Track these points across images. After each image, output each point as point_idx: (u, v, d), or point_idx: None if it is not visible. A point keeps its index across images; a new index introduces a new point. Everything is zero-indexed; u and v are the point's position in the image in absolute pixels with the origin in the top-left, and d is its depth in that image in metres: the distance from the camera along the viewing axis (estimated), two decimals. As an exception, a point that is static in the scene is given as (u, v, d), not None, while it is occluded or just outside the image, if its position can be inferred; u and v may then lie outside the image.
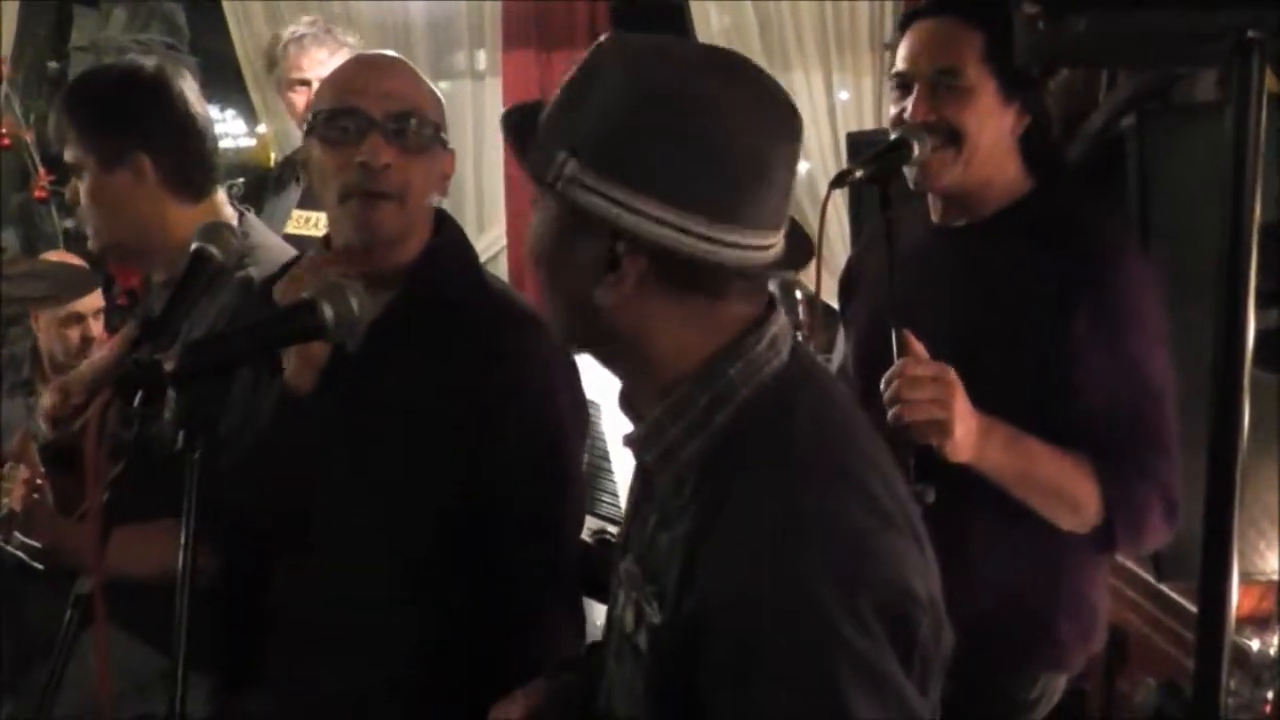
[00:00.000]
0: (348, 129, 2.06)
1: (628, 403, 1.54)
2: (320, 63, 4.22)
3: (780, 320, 1.48)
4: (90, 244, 2.56)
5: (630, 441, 1.51)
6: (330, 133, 2.07)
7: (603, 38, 1.47)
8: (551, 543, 2.17)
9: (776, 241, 1.44)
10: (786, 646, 1.30)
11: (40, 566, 2.18)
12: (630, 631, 1.51)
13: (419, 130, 2.09)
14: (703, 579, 1.38)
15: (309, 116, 2.14)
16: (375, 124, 2.05)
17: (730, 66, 1.42)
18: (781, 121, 1.42)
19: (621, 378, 1.56)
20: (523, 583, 2.11)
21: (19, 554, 2.18)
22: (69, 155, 2.45)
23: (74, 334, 4.18)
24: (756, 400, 1.43)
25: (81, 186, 2.46)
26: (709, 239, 1.37)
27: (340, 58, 4.20)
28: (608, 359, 1.54)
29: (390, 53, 2.25)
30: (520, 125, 1.49)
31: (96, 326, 4.24)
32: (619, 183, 1.36)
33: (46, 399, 2.74)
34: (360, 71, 2.16)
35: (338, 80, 2.16)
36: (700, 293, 1.42)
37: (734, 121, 1.37)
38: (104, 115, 2.43)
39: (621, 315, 1.42)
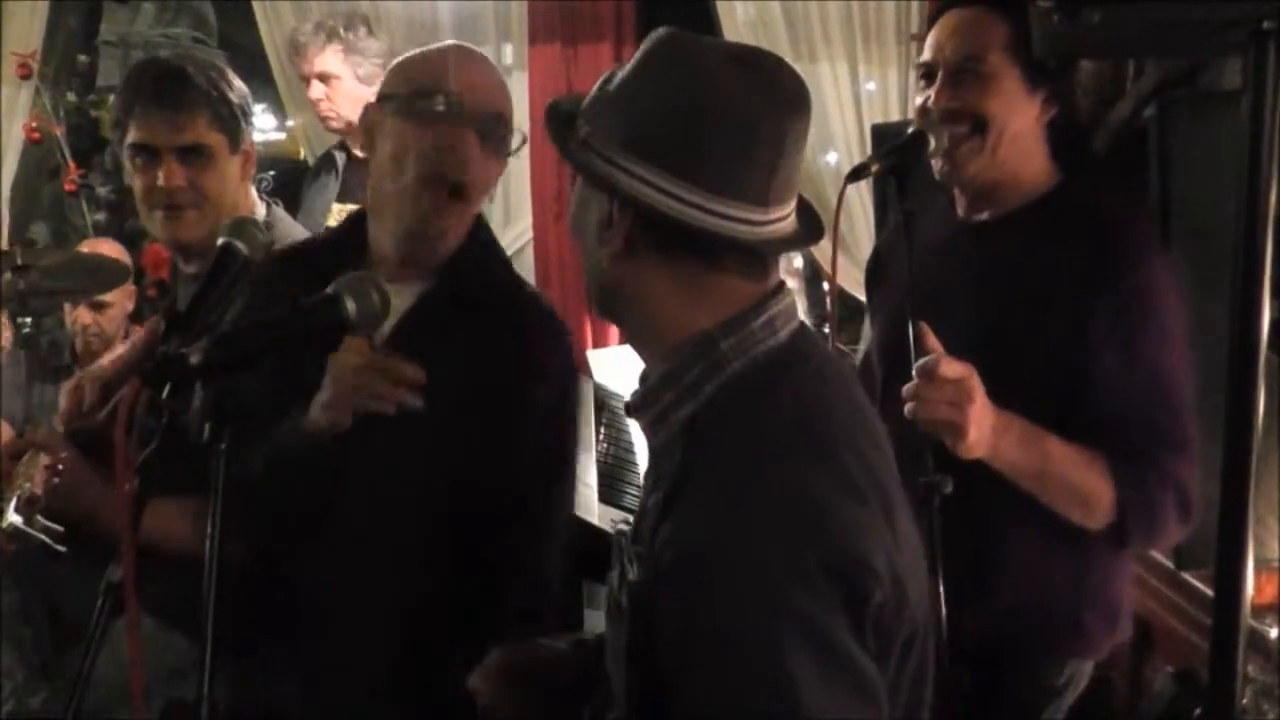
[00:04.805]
0: (442, 113, 2.06)
1: (643, 376, 1.59)
2: (318, 58, 4.25)
3: (784, 303, 1.53)
4: (182, 235, 2.58)
5: (630, 404, 1.58)
6: (423, 114, 2.07)
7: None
8: (552, 529, 2.25)
9: (773, 218, 1.48)
10: (728, 603, 1.34)
11: (62, 549, 2.20)
12: (616, 591, 1.56)
13: (507, 137, 2.14)
14: (666, 535, 1.43)
15: (394, 90, 2.13)
16: (467, 119, 2.07)
17: (743, 50, 1.49)
18: (781, 101, 1.46)
19: (632, 343, 1.63)
20: (523, 568, 2.19)
21: (41, 536, 2.21)
22: (198, 139, 2.51)
23: (96, 322, 4.24)
24: (745, 373, 1.48)
25: (204, 173, 2.52)
26: (693, 204, 1.43)
27: (332, 52, 4.23)
28: (620, 322, 1.64)
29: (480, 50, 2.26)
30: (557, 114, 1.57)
31: (108, 321, 4.30)
32: (618, 146, 1.45)
33: (63, 400, 2.77)
34: (467, 64, 2.15)
35: (440, 65, 2.13)
36: (692, 260, 1.48)
37: (726, 95, 1.43)
38: (236, 99, 2.54)
39: (622, 276, 1.51)
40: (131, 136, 2.53)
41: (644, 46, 1.50)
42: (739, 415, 1.46)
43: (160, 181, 2.51)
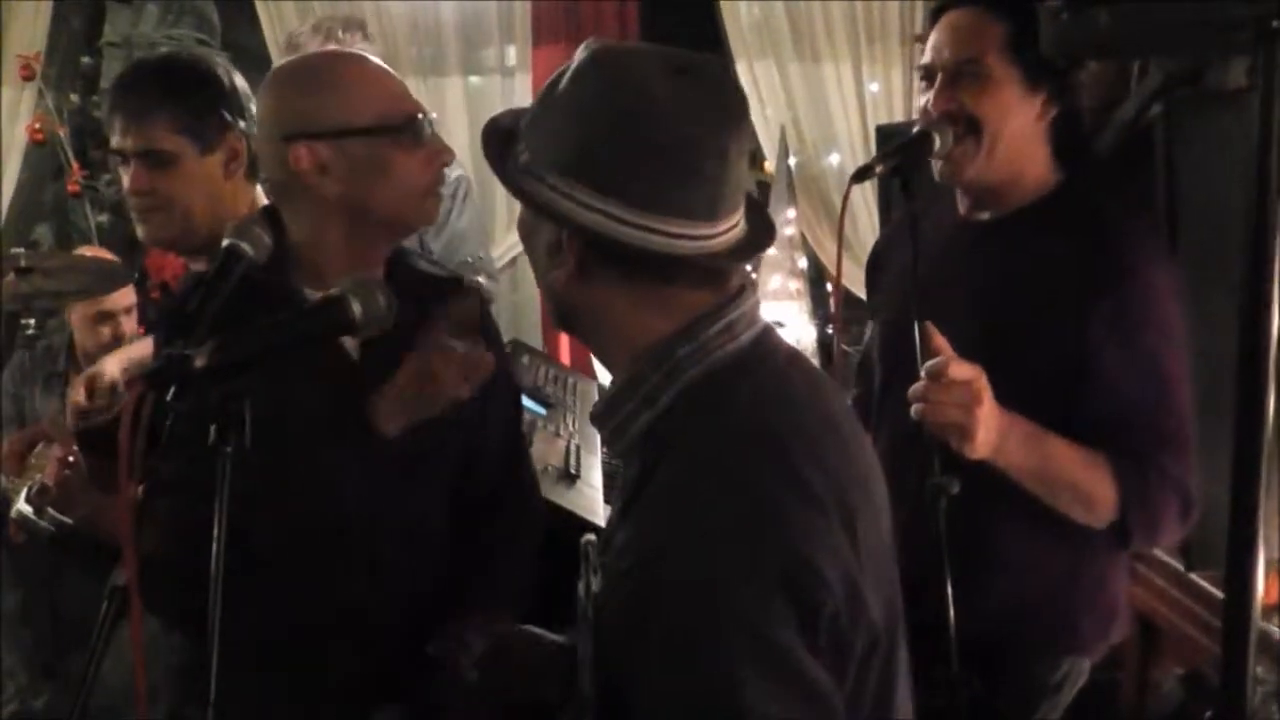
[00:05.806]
0: (426, 131, 2.10)
1: (609, 386, 1.59)
2: None
3: (744, 307, 1.51)
4: (154, 236, 2.55)
5: (593, 415, 1.57)
6: (415, 135, 2.08)
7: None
8: (530, 486, 2.40)
9: (721, 230, 1.47)
10: (677, 608, 1.33)
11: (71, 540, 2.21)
12: (583, 601, 1.56)
13: None
14: (621, 543, 1.44)
15: (361, 122, 2.08)
16: (432, 123, 2.12)
17: (680, 58, 1.45)
18: (719, 111, 1.44)
19: (595, 356, 1.63)
20: (509, 534, 2.27)
21: (50, 528, 2.22)
22: (157, 144, 2.45)
23: (105, 331, 4.21)
24: (702, 380, 1.47)
25: (166, 176, 2.46)
26: (638, 226, 1.41)
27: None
28: (580, 336, 1.61)
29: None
30: (495, 132, 1.56)
31: (129, 324, 4.28)
32: (560, 170, 1.42)
33: (74, 394, 2.77)
34: (393, 77, 2.17)
35: (390, 84, 2.14)
36: (646, 278, 1.47)
37: (667, 111, 1.40)
38: (203, 98, 2.47)
39: (577, 298, 1.50)
40: (112, 142, 2.55)
41: (576, 61, 1.46)
42: (695, 422, 1.45)
43: (126, 186, 2.52)
